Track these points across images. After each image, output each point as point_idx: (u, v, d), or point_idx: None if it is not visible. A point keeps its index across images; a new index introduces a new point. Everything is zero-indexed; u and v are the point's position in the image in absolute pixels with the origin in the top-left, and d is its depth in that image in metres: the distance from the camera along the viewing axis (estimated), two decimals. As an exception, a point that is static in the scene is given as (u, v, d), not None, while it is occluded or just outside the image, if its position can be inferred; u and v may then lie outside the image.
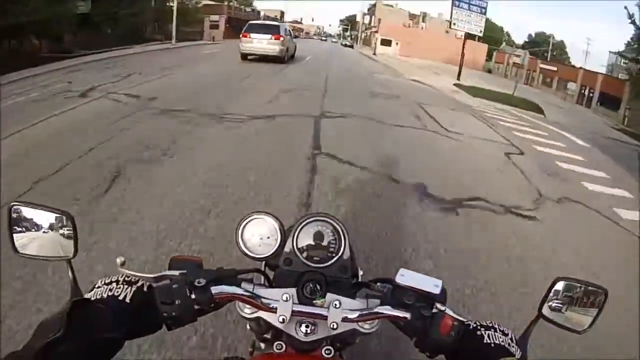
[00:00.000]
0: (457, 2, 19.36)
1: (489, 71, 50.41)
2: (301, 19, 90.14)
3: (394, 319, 0.75)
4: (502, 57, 50.34)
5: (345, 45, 58.27)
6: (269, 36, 15.12)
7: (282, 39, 15.34)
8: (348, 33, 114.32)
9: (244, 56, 15.56)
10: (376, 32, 47.12)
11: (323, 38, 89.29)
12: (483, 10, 20.17)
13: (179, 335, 1.96)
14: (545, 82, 44.23)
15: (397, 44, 45.37)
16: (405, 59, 39.73)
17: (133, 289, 0.69)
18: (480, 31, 20.42)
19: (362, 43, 61.34)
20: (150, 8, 33.02)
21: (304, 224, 0.86)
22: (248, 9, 50.00)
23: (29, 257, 0.76)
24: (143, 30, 32.10)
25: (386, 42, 44.62)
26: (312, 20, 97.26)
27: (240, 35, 15.89)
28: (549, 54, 65.43)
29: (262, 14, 59.48)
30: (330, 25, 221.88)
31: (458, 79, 20.33)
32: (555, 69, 42.50)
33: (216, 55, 18.30)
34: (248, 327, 0.90)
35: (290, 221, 0.94)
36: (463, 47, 20.59)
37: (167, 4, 35.49)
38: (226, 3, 43.34)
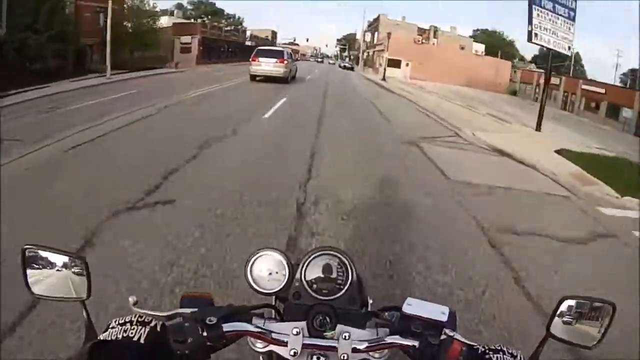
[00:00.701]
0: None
1: (514, 93, 42.62)
2: (294, 39, 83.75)
3: (403, 347, 0.76)
4: (530, 76, 42.70)
5: (344, 68, 50.84)
6: (275, 60, 17.32)
7: (285, 62, 17.55)
8: (346, 53, 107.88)
9: (253, 77, 17.84)
10: (382, 50, 39.65)
11: (319, 60, 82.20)
12: (572, 15, 12.28)
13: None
14: (589, 107, 36.34)
15: (407, 64, 37.81)
16: (420, 83, 32.14)
17: (147, 329, 0.69)
18: (569, 48, 12.43)
19: (363, 64, 53.82)
20: (96, 29, 25.64)
21: (311, 257, 0.88)
22: (228, 28, 42.65)
23: (44, 298, 0.79)
24: (85, 59, 24.76)
25: (394, 63, 37.12)
26: (307, 40, 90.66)
27: (250, 59, 18.20)
28: (571, 69, 58.18)
29: (248, 33, 52.48)
30: (327, 45, 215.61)
31: (538, 129, 12.33)
32: (603, 91, 34.65)
33: (122, 102, 10.33)
34: (260, 359, 0.90)
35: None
36: (547, 81, 12.57)
37: (125, 23, 28.19)
38: (200, 21, 35.99)
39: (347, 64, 53.92)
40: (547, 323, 0.77)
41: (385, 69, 31.82)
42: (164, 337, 0.69)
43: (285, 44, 58.94)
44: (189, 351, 0.70)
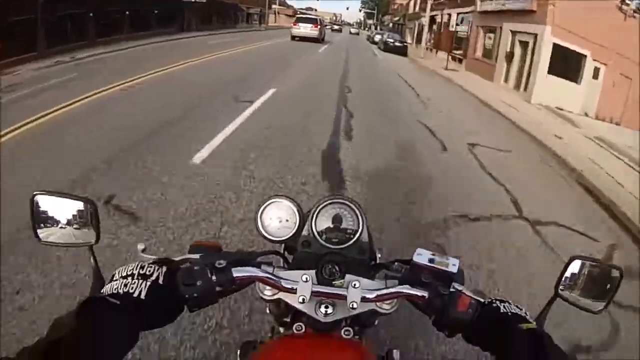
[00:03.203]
0: None
1: None
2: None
3: (413, 298, 0.76)
4: None
5: (387, 47, 24.50)
6: (311, 25, 23.95)
7: (319, 27, 24.14)
8: (373, 20, 79.91)
9: (293, 37, 23.62)
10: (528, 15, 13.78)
11: (335, 27, 56.24)
12: None
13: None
14: None
15: (596, 70, 12.55)
16: None
17: (151, 280, 0.68)
18: None
19: (426, 43, 26.90)
20: None
21: (322, 206, 0.87)
22: None
23: (51, 245, 0.78)
24: None
25: (563, 64, 12.00)
26: None
27: (292, 24, 25.26)
28: None
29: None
30: (347, 8, 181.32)
31: None
32: None
33: None
34: (268, 310, 0.93)
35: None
36: None
37: None
38: None
39: (391, 39, 25.59)
40: (556, 283, 0.77)
41: None
42: (171, 282, 0.69)
43: (301, 9, 58.33)
44: (197, 294, 0.70)
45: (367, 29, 76.71)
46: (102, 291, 0.67)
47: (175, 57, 11.43)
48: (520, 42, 13.11)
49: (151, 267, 0.70)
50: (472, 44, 17.61)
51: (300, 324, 0.82)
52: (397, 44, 24.68)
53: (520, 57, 13.04)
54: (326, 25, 38.05)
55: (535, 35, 12.14)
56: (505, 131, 7.84)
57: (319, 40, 23.82)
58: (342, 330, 0.82)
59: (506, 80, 13.63)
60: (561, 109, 11.35)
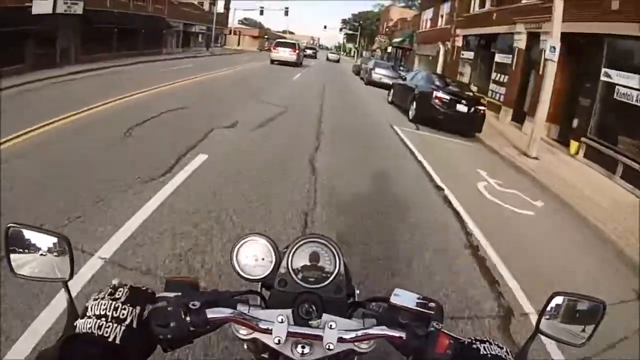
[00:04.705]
0: None
1: None
2: (261, 10, 44.46)
3: (390, 338, 0.75)
4: None
5: (450, 121, 8.99)
6: (290, 49, 24.87)
7: (297, 51, 25.13)
8: (355, 45, 66.31)
9: (272, 61, 24.59)
10: None
11: (308, 51, 42.34)
12: None
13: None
14: None
15: None
16: None
17: (124, 324, 0.67)
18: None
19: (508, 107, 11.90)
20: None
21: (298, 245, 0.86)
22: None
23: (26, 279, 0.77)
24: None
25: None
26: (286, 14, 47.96)
27: (271, 48, 26.44)
28: None
29: None
30: (325, 27, 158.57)
31: None
32: None
33: None
34: (246, 347, 0.90)
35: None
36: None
37: None
38: None
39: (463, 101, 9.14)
40: (537, 320, 0.76)
41: None
42: (146, 322, 0.68)
43: (278, 31, 60.30)
44: (171, 335, 0.69)
45: (348, 54, 62.93)
46: (75, 324, 0.67)
47: None
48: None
49: (125, 308, 0.68)
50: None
51: None
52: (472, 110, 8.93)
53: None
54: (303, 50, 34.42)
55: None
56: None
57: (297, 64, 24.98)
58: None
59: None
60: None
